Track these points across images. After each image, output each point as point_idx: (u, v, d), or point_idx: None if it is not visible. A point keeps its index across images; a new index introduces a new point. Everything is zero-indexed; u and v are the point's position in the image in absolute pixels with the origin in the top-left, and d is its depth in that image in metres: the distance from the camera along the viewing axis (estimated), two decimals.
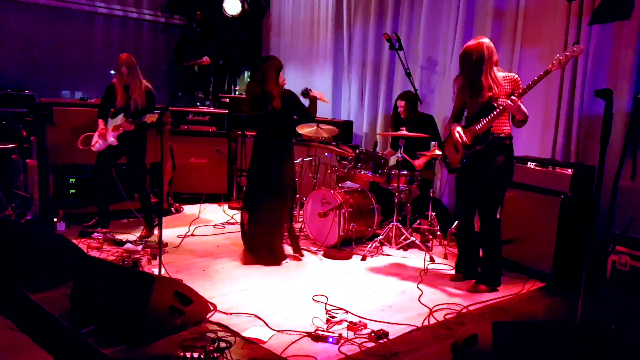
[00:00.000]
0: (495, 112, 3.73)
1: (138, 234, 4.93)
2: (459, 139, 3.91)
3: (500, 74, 3.80)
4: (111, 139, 4.85)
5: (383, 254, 4.85)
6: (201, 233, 5.24)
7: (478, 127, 3.82)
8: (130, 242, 4.64)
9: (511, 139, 3.89)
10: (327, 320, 3.28)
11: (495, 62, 3.80)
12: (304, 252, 4.73)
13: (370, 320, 3.34)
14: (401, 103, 5.42)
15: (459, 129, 3.96)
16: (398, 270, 4.44)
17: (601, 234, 4.18)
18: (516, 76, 3.82)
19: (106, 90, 5.00)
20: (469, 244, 4.15)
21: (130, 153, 4.99)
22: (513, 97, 3.65)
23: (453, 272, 4.31)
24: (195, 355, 2.69)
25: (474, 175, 3.94)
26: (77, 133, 5.22)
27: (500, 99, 3.72)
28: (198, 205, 6.14)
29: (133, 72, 4.82)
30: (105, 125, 4.92)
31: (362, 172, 5.01)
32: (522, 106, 3.68)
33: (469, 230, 4.12)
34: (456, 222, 4.56)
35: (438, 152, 4.81)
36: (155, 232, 5.02)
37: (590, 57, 4.58)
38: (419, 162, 5.14)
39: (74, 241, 4.12)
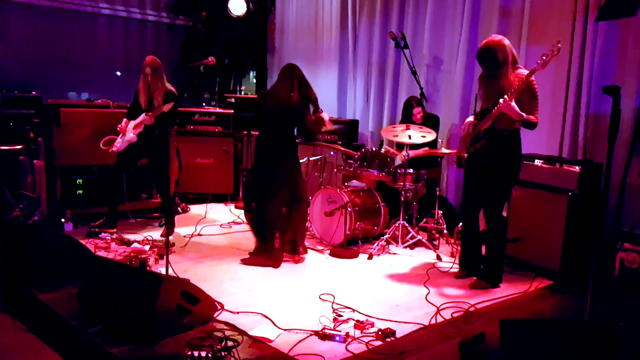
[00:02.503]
0: (492, 112, 3.73)
1: (146, 234, 4.94)
2: (463, 132, 3.96)
3: (517, 71, 3.76)
4: (130, 135, 4.89)
5: (390, 253, 4.84)
6: (208, 233, 5.25)
7: (481, 125, 3.84)
8: (138, 241, 4.66)
9: (517, 135, 3.86)
10: (334, 319, 3.28)
11: (513, 62, 3.75)
12: (310, 250, 4.72)
13: (377, 318, 3.33)
14: (418, 110, 5.37)
15: (468, 123, 3.99)
16: (405, 269, 4.43)
17: (609, 232, 4.16)
18: (525, 73, 3.72)
19: (134, 95, 5.07)
20: (474, 241, 4.14)
21: (152, 154, 5.01)
22: (505, 97, 3.62)
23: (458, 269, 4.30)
24: (203, 354, 2.70)
25: (479, 173, 3.94)
26: (84, 134, 5.24)
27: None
28: (204, 205, 6.15)
29: (157, 74, 4.86)
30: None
31: (368, 171, 5.01)
32: (514, 106, 3.61)
33: (474, 227, 4.11)
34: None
35: (445, 151, 4.81)
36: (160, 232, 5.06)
37: (597, 54, 4.55)
38: (402, 154, 5.08)
39: (82, 241, 4.15)
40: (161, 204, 5.31)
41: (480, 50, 3.79)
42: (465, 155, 4.01)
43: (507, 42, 3.76)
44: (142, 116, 4.86)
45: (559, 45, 3.47)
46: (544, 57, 3.47)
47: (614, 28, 4.46)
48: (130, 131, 4.90)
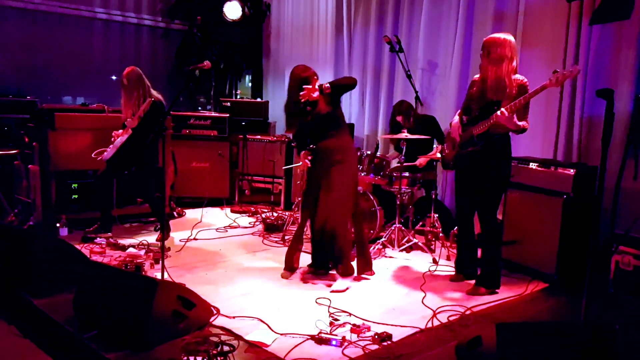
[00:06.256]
0: (490, 120, 3.65)
1: (141, 239, 4.93)
2: (455, 137, 3.94)
3: (513, 75, 3.68)
4: (117, 141, 4.86)
5: (386, 257, 4.84)
6: (203, 237, 5.24)
7: (474, 129, 3.80)
8: (133, 246, 4.65)
9: (509, 139, 3.86)
10: (330, 323, 3.28)
11: (514, 68, 3.66)
12: (305, 254, 4.71)
13: (374, 322, 3.33)
14: (399, 118, 5.41)
15: (456, 126, 3.97)
16: (401, 273, 4.43)
17: (604, 234, 4.18)
18: (525, 80, 3.67)
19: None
20: (468, 245, 4.15)
21: (139, 160, 4.99)
22: (502, 110, 3.54)
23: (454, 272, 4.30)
24: (199, 359, 2.69)
25: (469, 176, 3.94)
26: (79, 138, 5.23)
27: (502, 104, 3.70)
28: (200, 209, 6.14)
29: (133, 84, 4.84)
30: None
31: (364, 175, 5.01)
32: (515, 119, 3.56)
33: (469, 231, 4.12)
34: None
35: (439, 155, 4.82)
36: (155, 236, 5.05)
37: (590, 57, 4.58)
38: (420, 161, 5.16)
39: (77, 246, 4.13)
40: (152, 210, 5.29)
41: (490, 40, 3.69)
42: (453, 157, 3.99)
43: (514, 40, 3.69)
44: (128, 120, 4.85)
45: (578, 67, 3.44)
46: (559, 76, 3.36)
47: (608, 31, 4.49)
48: (118, 137, 4.87)
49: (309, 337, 3.09)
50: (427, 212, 5.18)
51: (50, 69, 7.08)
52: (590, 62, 4.58)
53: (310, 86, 3.91)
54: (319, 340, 3.06)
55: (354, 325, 3.22)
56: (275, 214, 6.00)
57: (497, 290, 3.97)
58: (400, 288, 4.07)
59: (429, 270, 4.45)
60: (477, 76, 3.91)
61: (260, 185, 6.73)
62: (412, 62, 6.00)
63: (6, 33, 6.75)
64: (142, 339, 2.86)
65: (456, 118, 4.04)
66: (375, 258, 4.72)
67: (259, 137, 6.77)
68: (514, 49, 3.66)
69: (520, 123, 3.61)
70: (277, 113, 7.73)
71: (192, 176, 6.50)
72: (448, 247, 4.94)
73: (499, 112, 3.56)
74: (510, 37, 3.68)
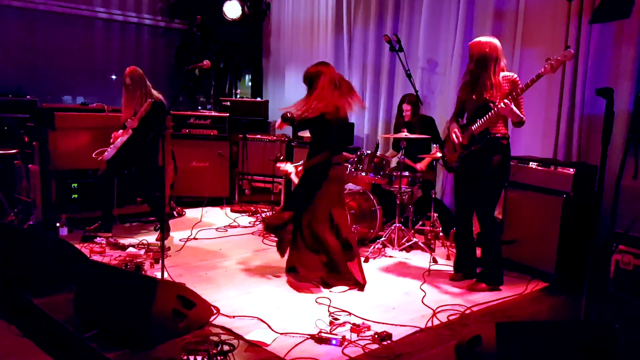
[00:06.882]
0: (489, 114, 3.74)
1: (141, 238, 4.93)
2: (455, 138, 3.95)
3: (500, 74, 3.81)
4: (117, 141, 4.86)
5: (386, 256, 4.84)
6: (203, 236, 5.24)
7: (474, 127, 3.84)
8: (133, 246, 4.65)
9: (508, 138, 3.90)
10: (330, 323, 3.28)
11: (502, 68, 3.81)
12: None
13: (374, 322, 3.33)
14: (407, 107, 5.43)
15: (455, 128, 4.00)
16: (401, 272, 4.43)
17: (604, 233, 4.18)
18: (515, 76, 3.81)
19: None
20: (468, 243, 4.15)
21: (139, 159, 4.98)
22: (505, 101, 3.64)
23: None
24: (199, 358, 2.69)
25: (471, 175, 3.95)
26: (79, 138, 5.23)
27: (497, 101, 3.73)
28: (200, 208, 6.14)
29: (136, 83, 4.84)
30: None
31: (364, 174, 5.01)
32: (515, 109, 3.68)
33: (468, 230, 4.12)
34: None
35: (439, 154, 4.82)
36: (155, 236, 5.05)
37: (590, 56, 4.58)
38: (420, 166, 5.21)
39: (77, 246, 4.13)
40: (151, 210, 5.30)
41: (475, 44, 3.82)
42: (457, 159, 4.01)
43: (498, 43, 3.81)
44: (128, 121, 4.85)
45: (572, 50, 3.49)
46: (553, 62, 3.47)
47: (608, 30, 4.49)
48: (119, 138, 4.87)
49: (309, 337, 3.09)
50: (427, 212, 5.18)
51: (50, 68, 7.08)
52: (590, 60, 4.58)
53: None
54: (319, 339, 3.06)
55: (353, 324, 3.22)
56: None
57: (500, 287, 3.98)
58: (400, 287, 4.07)
59: (429, 270, 4.45)
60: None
61: (260, 184, 6.73)
62: (412, 61, 6.00)
63: (6, 32, 6.75)
64: (142, 338, 2.87)
65: (454, 125, 4.06)
66: (375, 257, 4.73)
67: (259, 136, 6.77)
68: (499, 50, 3.78)
69: (521, 113, 3.74)
70: (277, 112, 7.73)
71: (192, 176, 6.50)
72: (447, 247, 4.94)
73: (501, 105, 3.65)
74: (494, 40, 3.82)
